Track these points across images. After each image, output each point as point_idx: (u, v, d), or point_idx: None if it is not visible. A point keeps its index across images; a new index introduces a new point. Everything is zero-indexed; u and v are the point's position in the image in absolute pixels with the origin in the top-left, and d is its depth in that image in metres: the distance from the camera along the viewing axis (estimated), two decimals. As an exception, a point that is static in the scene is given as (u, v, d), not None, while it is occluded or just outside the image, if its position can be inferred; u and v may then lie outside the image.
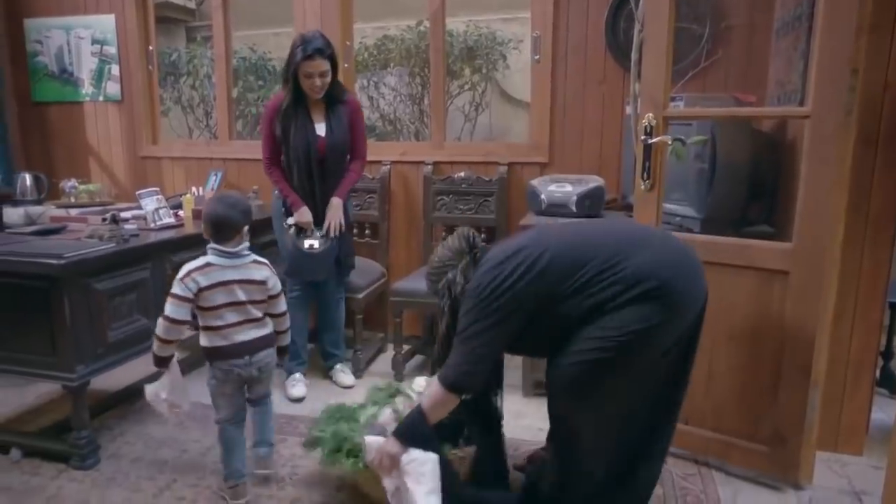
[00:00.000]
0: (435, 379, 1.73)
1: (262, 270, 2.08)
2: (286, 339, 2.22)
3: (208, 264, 1.99)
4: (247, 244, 2.08)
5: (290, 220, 2.81)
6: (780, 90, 2.69)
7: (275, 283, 2.12)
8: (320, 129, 2.81)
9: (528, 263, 1.62)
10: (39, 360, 2.23)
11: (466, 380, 1.69)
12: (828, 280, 1.96)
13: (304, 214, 2.79)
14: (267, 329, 2.11)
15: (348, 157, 2.91)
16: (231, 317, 2.01)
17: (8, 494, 2.13)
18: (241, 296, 2.02)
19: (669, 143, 2.18)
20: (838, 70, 1.86)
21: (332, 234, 2.80)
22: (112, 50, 3.89)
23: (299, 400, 2.86)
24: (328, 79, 2.70)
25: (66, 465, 2.28)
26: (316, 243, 2.79)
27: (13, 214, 3.20)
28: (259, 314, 2.07)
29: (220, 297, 1.98)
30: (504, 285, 1.62)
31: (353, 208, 3.16)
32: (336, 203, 2.84)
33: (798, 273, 1.99)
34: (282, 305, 2.16)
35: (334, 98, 2.81)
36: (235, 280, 2.01)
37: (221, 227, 2.00)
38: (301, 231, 2.82)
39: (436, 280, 1.86)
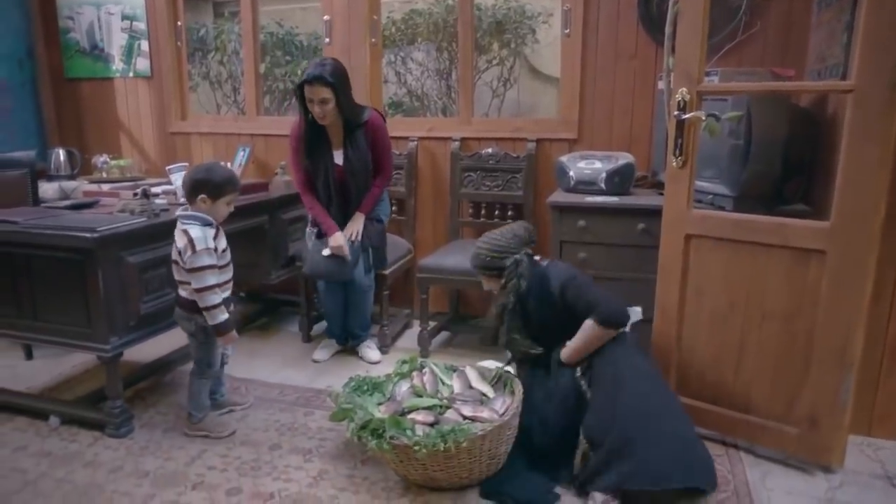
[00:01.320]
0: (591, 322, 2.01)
1: (181, 239, 2.17)
2: (209, 318, 2.20)
3: None
4: (190, 213, 2.20)
5: (325, 252, 2.82)
6: (820, 64, 2.59)
7: (188, 258, 2.15)
8: (338, 157, 2.86)
9: None
10: (75, 331, 2.29)
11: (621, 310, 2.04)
12: (867, 260, 1.90)
13: (338, 240, 2.80)
14: (182, 292, 2.24)
15: (371, 173, 2.92)
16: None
17: (48, 459, 2.20)
18: (172, 253, 2.22)
19: (703, 118, 2.12)
20: (885, 42, 1.77)
21: (351, 239, 2.84)
22: (141, 26, 3.91)
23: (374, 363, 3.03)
24: (329, 106, 2.69)
25: (102, 432, 2.36)
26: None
27: (48, 189, 3.26)
28: (177, 276, 2.24)
29: None
30: None
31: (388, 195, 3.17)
32: (358, 217, 2.90)
33: (835, 253, 1.93)
34: (195, 282, 2.16)
35: (352, 123, 2.81)
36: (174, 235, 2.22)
37: None
38: (322, 235, 2.88)
39: (497, 256, 2.12)
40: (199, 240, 2.14)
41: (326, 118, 2.73)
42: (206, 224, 2.20)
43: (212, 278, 2.17)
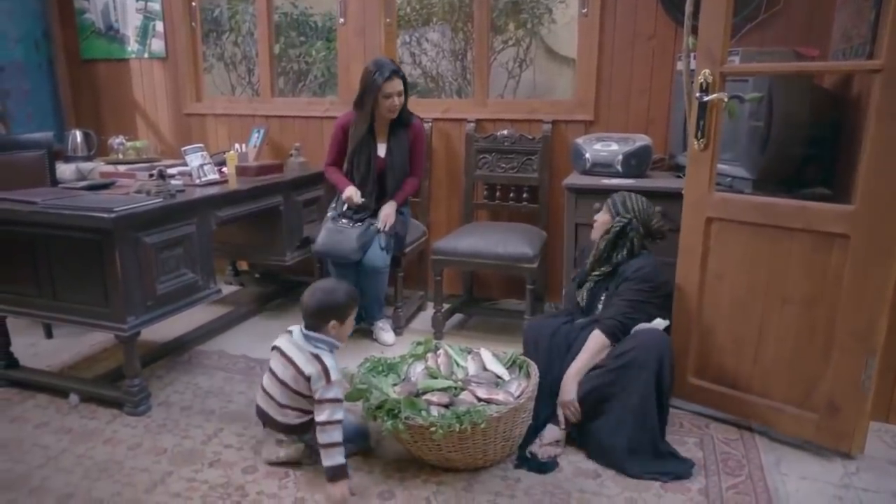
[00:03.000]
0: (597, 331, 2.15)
1: (310, 365, 1.94)
2: (324, 457, 1.90)
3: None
4: (319, 336, 2.02)
5: (343, 196, 2.96)
6: (845, 43, 2.53)
7: (322, 388, 1.91)
8: (381, 149, 3.03)
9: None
10: (93, 311, 2.32)
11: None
12: (892, 245, 1.86)
13: (349, 191, 2.93)
14: (281, 417, 2.03)
15: (407, 171, 3.08)
16: (265, 379, 2.09)
17: (69, 436, 2.24)
18: (282, 371, 2.00)
19: (725, 100, 2.08)
20: (915, 19, 1.73)
21: (379, 227, 2.91)
22: (156, 6, 3.90)
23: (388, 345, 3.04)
24: (402, 98, 2.91)
25: (120, 410, 2.39)
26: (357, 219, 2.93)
27: (66, 170, 3.29)
28: (281, 399, 2.01)
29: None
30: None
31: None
32: (391, 203, 3.00)
33: (860, 237, 1.90)
34: (324, 414, 1.90)
35: (401, 121, 2.99)
36: (282, 350, 2.03)
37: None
38: (338, 217, 2.95)
39: (625, 204, 2.26)
40: (334, 370, 1.94)
41: (397, 110, 2.92)
42: (334, 349, 2.03)
43: (340, 413, 1.93)
